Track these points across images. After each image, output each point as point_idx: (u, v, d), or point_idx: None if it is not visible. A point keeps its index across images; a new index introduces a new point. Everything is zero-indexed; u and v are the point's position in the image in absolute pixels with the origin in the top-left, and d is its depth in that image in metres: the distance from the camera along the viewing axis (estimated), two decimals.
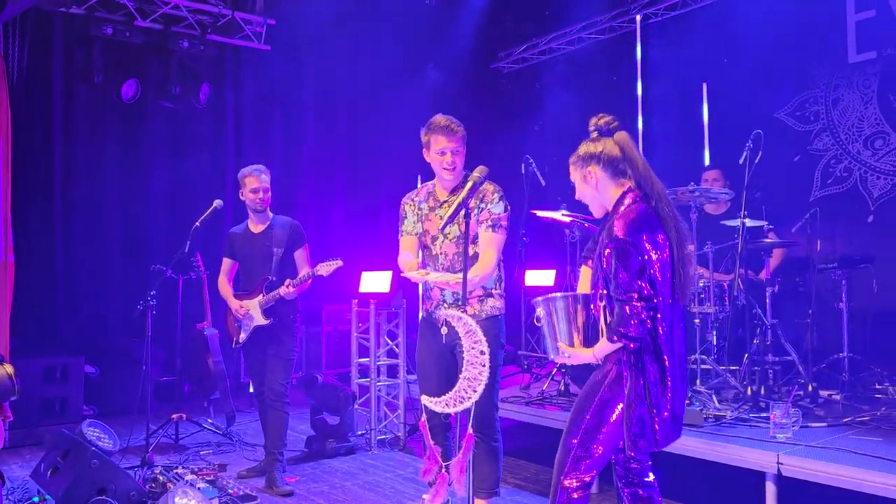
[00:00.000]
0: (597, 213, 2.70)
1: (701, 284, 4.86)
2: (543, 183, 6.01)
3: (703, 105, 7.00)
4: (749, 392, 4.44)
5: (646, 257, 2.43)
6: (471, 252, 3.28)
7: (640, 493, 2.66)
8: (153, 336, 4.78)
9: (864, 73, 6.18)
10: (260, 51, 7.64)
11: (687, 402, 3.55)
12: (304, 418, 5.73)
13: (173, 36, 6.92)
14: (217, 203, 4.88)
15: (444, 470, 2.68)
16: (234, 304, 4.61)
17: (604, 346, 2.53)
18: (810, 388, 4.65)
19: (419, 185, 3.71)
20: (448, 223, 2.88)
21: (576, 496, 2.53)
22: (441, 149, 3.39)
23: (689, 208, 4.81)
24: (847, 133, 6.27)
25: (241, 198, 4.63)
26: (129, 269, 7.15)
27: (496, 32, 9.04)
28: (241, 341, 4.65)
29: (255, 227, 4.67)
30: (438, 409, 2.59)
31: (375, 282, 5.55)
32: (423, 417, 2.96)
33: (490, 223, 3.37)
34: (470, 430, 2.58)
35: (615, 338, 2.45)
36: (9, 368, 3.66)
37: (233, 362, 6.98)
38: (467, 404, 2.53)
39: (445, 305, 3.44)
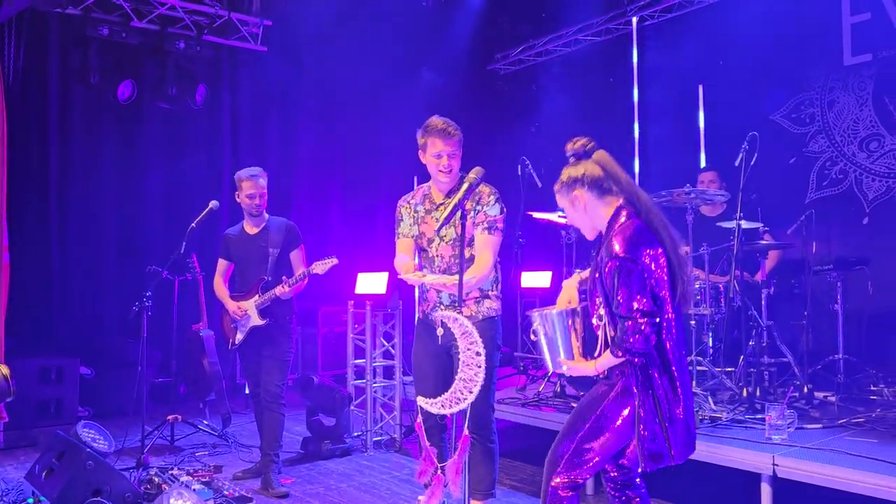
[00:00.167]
0: (589, 235, 2.69)
1: (697, 286, 4.86)
2: (540, 184, 6.00)
3: (698, 107, 7.00)
4: (745, 394, 4.45)
5: (646, 272, 2.44)
6: (467, 254, 3.28)
7: (630, 494, 2.68)
8: (149, 337, 4.78)
9: (859, 75, 6.21)
10: (256, 52, 7.65)
11: None
12: (299, 420, 5.72)
13: (170, 37, 6.92)
14: (213, 204, 4.88)
15: (439, 471, 2.67)
16: (231, 305, 4.60)
17: (606, 360, 2.52)
18: (806, 389, 4.67)
19: (415, 187, 3.71)
20: (444, 225, 2.88)
21: (567, 495, 2.53)
22: (437, 152, 3.39)
23: (685, 210, 4.82)
24: (842, 135, 6.30)
25: (237, 199, 4.62)
26: (124, 270, 7.13)
27: (493, 34, 9.07)
28: (237, 343, 4.64)
29: (251, 228, 4.66)
30: (434, 410, 2.60)
31: (372, 283, 5.54)
32: (419, 419, 2.95)
33: (486, 225, 3.37)
34: (466, 432, 2.58)
35: (619, 353, 2.44)
36: (4, 369, 3.66)
37: (229, 364, 6.98)
38: (463, 405, 2.53)
39: (442, 307, 3.44)
